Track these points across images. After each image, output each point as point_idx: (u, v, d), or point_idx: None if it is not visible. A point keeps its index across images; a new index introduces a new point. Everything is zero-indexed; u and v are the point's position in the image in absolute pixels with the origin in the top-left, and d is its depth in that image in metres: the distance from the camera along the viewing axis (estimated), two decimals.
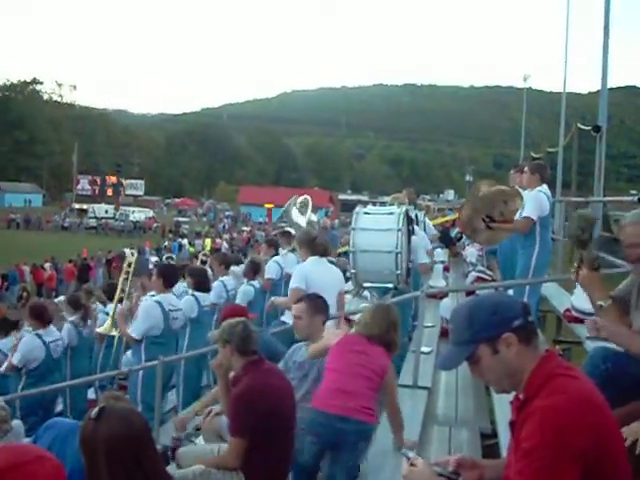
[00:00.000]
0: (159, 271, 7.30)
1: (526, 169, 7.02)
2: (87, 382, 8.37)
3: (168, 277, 7.18)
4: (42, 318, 7.65)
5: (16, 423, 5.98)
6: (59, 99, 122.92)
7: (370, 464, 4.36)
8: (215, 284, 9.17)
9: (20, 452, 1.98)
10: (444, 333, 8.34)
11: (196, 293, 7.97)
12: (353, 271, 6.93)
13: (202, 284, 8.08)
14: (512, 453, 2.21)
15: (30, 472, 1.89)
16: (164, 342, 6.91)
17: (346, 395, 4.06)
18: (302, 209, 11.29)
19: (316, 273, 6.43)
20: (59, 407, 8.29)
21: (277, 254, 10.15)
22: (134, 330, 6.80)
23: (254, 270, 9.18)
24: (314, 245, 6.78)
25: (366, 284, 7.00)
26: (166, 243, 43.08)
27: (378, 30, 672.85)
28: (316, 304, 4.81)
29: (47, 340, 7.53)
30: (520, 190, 6.85)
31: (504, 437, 4.26)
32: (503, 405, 4.68)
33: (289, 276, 10.19)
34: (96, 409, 2.40)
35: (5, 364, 7.51)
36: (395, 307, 4.88)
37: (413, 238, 7.21)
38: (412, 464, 2.34)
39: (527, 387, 2.20)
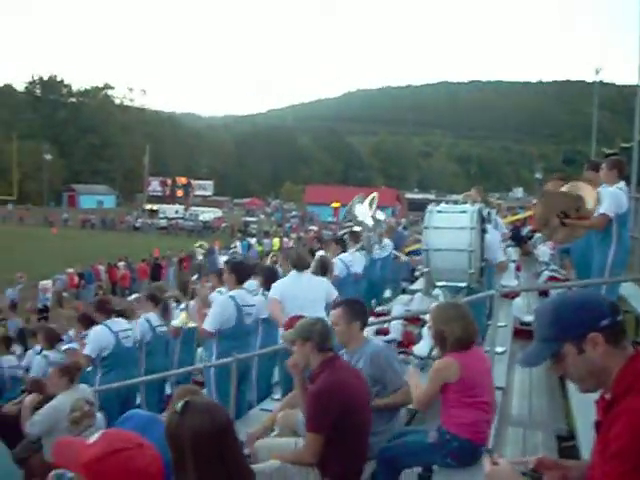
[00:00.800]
0: (231, 267, 7.37)
1: (603, 165, 6.82)
2: (163, 378, 8.55)
3: (240, 273, 7.25)
4: (106, 310, 7.95)
5: (99, 417, 6.20)
6: (130, 104, 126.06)
7: None
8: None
9: (121, 439, 2.06)
10: (517, 333, 8.23)
11: (267, 292, 8.04)
12: (426, 270, 6.86)
13: (272, 283, 8.12)
14: (597, 454, 2.16)
15: (130, 457, 1.97)
16: (237, 336, 6.95)
17: (488, 425, 4.22)
18: (370, 206, 11.32)
19: (293, 287, 6.96)
20: (137, 401, 8.50)
21: (344, 252, 10.25)
22: (207, 323, 6.86)
23: (323, 269, 9.23)
24: (295, 259, 7.29)
25: (439, 283, 6.93)
26: (236, 243, 43.53)
27: (443, 27, 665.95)
28: (353, 309, 4.66)
29: (115, 329, 7.75)
30: (595, 186, 6.68)
31: (584, 439, 4.19)
32: (583, 406, 4.60)
33: (356, 275, 10.30)
34: (180, 403, 2.45)
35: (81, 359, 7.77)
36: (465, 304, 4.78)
37: (486, 237, 7.12)
38: (495, 463, 2.33)
39: (615, 387, 2.14)
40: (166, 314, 8.98)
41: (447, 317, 4.19)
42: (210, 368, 6.90)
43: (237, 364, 6.63)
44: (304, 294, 6.83)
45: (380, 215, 12.10)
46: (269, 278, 8.01)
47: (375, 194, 12.22)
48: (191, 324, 8.58)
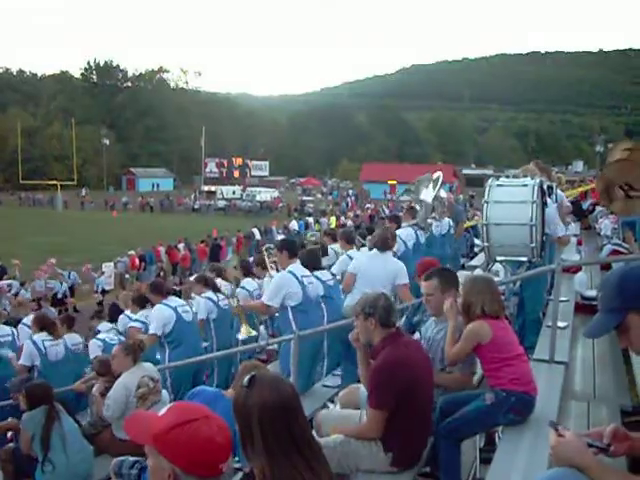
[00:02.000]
0: (280, 246, 7.48)
1: None
2: (226, 355, 8.69)
3: (291, 249, 7.35)
4: (160, 292, 8.18)
5: (164, 394, 6.38)
6: (185, 86, 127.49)
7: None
8: (341, 258, 9.30)
9: (189, 410, 2.13)
10: (579, 308, 8.13)
11: (315, 272, 8.02)
12: (486, 244, 6.77)
13: (313, 265, 8.03)
14: None
15: (197, 428, 2.04)
16: (307, 309, 7.02)
17: (532, 374, 4.36)
18: (434, 185, 11.24)
19: (369, 265, 7.38)
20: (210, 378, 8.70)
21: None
22: (269, 298, 6.95)
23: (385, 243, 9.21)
24: (378, 241, 7.60)
25: (499, 258, 6.86)
26: (293, 222, 43.80)
27: None
28: (447, 279, 4.76)
29: (172, 305, 8.00)
30: None
31: None
32: None
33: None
34: (247, 377, 2.51)
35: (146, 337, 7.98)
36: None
37: (547, 210, 7.01)
38: (560, 435, 2.34)
39: None
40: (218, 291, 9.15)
41: (476, 289, 4.34)
42: (287, 344, 6.94)
43: (313, 339, 6.78)
44: (377, 272, 7.16)
45: (443, 193, 12.01)
46: (309, 261, 7.79)
47: (440, 174, 12.14)
48: (253, 333, 8.61)
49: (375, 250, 7.58)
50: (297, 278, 7.00)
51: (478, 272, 9.68)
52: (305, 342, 6.64)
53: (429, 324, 4.92)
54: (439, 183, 11.32)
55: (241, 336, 8.41)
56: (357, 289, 7.11)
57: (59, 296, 23.84)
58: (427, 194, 10.97)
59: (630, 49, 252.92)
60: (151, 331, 7.86)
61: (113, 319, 10.59)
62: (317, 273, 7.92)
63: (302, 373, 6.58)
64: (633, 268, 2.38)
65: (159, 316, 7.89)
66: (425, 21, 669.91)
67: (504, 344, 4.22)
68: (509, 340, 4.30)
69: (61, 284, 24.38)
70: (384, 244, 7.51)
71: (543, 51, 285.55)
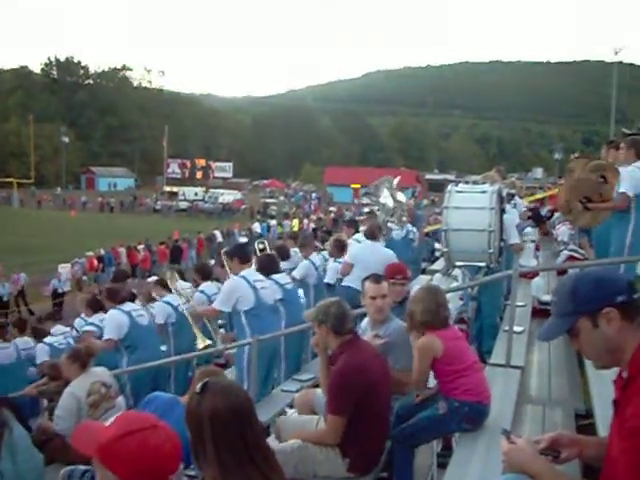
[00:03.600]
0: (231, 253, 7.49)
1: (622, 145, 6.75)
2: (183, 360, 8.60)
3: (241, 255, 7.34)
4: (115, 299, 8.09)
5: (119, 400, 6.25)
6: (148, 85, 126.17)
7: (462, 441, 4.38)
8: (303, 262, 9.32)
9: (136, 420, 2.09)
10: (536, 313, 8.22)
11: (272, 276, 8.02)
12: (445, 250, 6.84)
13: (269, 269, 7.94)
14: (615, 432, 2.18)
15: (144, 438, 1.99)
16: (260, 314, 6.96)
17: (486, 382, 4.40)
18: (393, 190, 11.34)
19: (364, 253, 8.30)
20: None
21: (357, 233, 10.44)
22: (220, 303, 6.95)
23: (340, 248, 9.27)
24: (369, 231, 8.58)
25: (458, 263, 6.92)
26: (254, 225, 43.67)
27: (462, 7, 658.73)
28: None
29: (126, 309, 7.91)
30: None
31: (601, 417, 4.19)
32: (601, 385, 4.60)
33: None
34: (200, 384, 2.47)
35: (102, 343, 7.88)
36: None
37: (505, 217, 7.10)
38: (512, 442, 2.35)
39: (631, 365, 2.15)
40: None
41: (419, 299, 4.33)
42: (243, 349, 6.91)
43: (267, 344, 6.70)
44: (372, 259, 7.93)
45: (401, 197, 12.08)
46: (266, 265, 7.90)
47: (399, 178, 12.22)
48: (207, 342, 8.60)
49: (366, 240, 8.50)
50: (249, 283, 6.96)
51: (438, 276, 9.78)
52: (261, 346, 6.62)
53: (364, 327, 4.93)
54: (396, 187, 11.43)
55: (200, 346, 8.37)
56: (356, 275, 7.69)
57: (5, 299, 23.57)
58: (386, 197, 11.06)
59: (588, 61, 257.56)
60: (105, 336, 7.78)
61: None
62: (275, 276, 7.93)
63: (259, 378, 6.58)
64: (585, 274, 2.42)
65: (112, 321, 7.83)
66: (391, 27, 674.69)
67: (457, 355, 4.23)
68: (461, 350, 4.32)
69: (4, 286, 24.02)
70: (372, 234, 8.48)
71: (505, 60, 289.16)
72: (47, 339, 9.43)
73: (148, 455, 1.97)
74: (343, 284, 8.32)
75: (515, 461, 2.33)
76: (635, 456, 1.98)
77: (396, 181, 11.55)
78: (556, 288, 2.43)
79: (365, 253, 8.35)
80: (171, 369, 8.62)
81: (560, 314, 2.30)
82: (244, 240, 31.86)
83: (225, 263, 8.91)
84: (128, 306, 8.02)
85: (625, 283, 2.24)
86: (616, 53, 44.77)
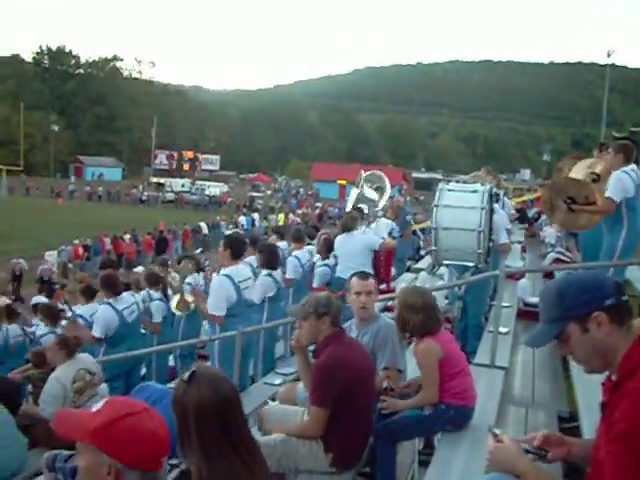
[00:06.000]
0: (226, 243, 7.41)
1: (610, 149, 6.75)
2: (168, 349, 8.64)
3: (236, 250, 7.27)
4: (112, 288, 7.98)
5: (102, 387, 6.26)
6: (138, 76, 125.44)
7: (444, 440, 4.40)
8: (289, 260, 9.30)
9: (128, 404, 2.08)
10: (521, 314, 8.26)
11: (271, 271, 8.10)
12: (434, 248, 6.83)
13: (271, 262, 8.17)
14: (602, 435, 2.18)
15: (138, 421, 1.99)
16: (237, 313, 6.97)
17: (473, 386, 4.41)
18: (370, 182, 11.40)
19: (344, 244, 8.65)
20: (142, 372, 8.60)
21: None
22: (213, 308, 6.93)
23: (328, 248, 9.24)
24: (344, 224, 8.92)
25: (446, 262, 6.93)
26: (240, 218, 43.61)
27: (453, 5, 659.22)
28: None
29: (119, 308, 7.85)
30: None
31: (586, 421, 4.22)
32: (587, 388, 4.63)
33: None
34: (188, 372, 2.47)
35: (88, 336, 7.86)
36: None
37: (495, 217, 7.11)
38: (499, 440, 2.35)
39: (621, 368, 2.15)
40: (166, 291, 9.08)
41: (411, 306, 4.28)
42: (214, 342, 6.94)
43: (241, 338, 6.68)
44: (352, 247, 8.51)
45: (371, 193, 12.09)
46: (269, 257, 8.06)
47: (375, 172, 12.26)
48: (184, 311, 8.67)
49: (343, 234, 8.78)
50: (233, 283, 6.95)
51: (423, 275, 9.80)
52: (231, 342, 6.69)
53: (349, 327, 4.87)
54: (385, 184, 11.47)
55: (173, 307, 8.43)
56: (342, 265, 8.43)
57: None
58: (369, 192, 11.11)
59: (580, 62, 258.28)
60: (94, 333, 7.69)
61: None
62: (273, 273, 8.01)
63: (231, 372, 6.57)
64: (572, 278, 2.40)
65: (102, 319, 7.73)
66: (381, 24, 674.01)
67: (452, 359, 4.25)
68: (455, 353, 4.34)
69: None
70: (346, 227, 8.78)
71: (495, 59, 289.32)
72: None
73: (145, 437, 1.97)
74: (336, 275, 8.60)
75: (501, 460, 2.33)
76: (622, 458, 1.98)
77: (367, 174, 11.66)
78: (542, 293, 2.41)
79: (343, 243, 8.71)
80: (150, 359, 8.63)
81: (548, 320, 2.29)
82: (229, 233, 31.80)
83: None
84: (121, 301, 7.95)
85: (613, 286, 2.23)
86: (609, 55, 44.94)
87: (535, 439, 2.45)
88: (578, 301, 2.20)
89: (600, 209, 6.32)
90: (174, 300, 8.77)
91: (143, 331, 8.75)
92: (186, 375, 2.45)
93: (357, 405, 3.95)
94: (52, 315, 9.33)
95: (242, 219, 43.29)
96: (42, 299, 16.02)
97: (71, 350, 6.17)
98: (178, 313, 8.74)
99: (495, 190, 7.55)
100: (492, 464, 2.38)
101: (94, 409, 2.06)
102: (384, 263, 9.65)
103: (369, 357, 4.29)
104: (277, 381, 6.80)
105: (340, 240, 8.82)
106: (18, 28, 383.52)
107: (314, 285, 8.93)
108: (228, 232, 32.16)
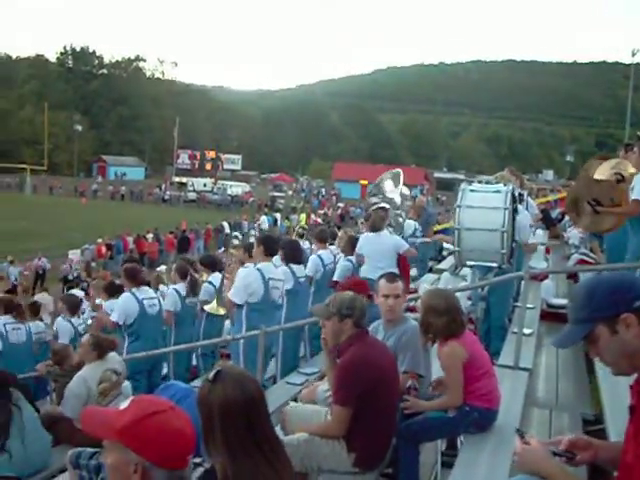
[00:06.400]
0: (260, 240, 7.42)
1: (635, 149, 6.66)
2: (190, 349, 8.68)
3: (269, 246, 7.28)
4: (135, 279, 8.08)
5: (125, 385, 6.28)
6: (161, 76, 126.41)
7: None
8: (312, 258, 9.29)
9: (153, 403, 2.09)
10: (544, 316, 8.20)
11: (291, 265, 8.10)
12: (457, 249, 6.81)
13: (294, 257, 8.18)
14: (631, 438, 2.16)
15: (166, 419, 2.00)
16: (264, 309, 7.00)
17: (497, 388, 4.36)
18: (395, 182, 11.32)
19: (372, 243, 8.54)
20: (164, 371, 8.64)
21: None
22: (234, 295, 6.93)
23: (353, 246, 9.22)
24: (371, 224, 8.83)
25: (469, 262, 6.89)
26: (262, 218, 43.69)
27: (477, 5, 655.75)
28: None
29: (140, 297, 7.92)
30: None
31: (612, 424, 4.17)
32: (613, 390, 4.58)
33: None
34: (213, 371, 2.48)
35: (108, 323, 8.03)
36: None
37: (518, 217, 7.06)
38: (525, 442, 2.34)
39: None
40: (194, 287, 9.08)
41: (434, 309, 4.23)
42: (238, 341, 6.95)
43: (264, 337, 6.69)
44: (380, 248, 8.39)
45: (406, 190, 12.06)
46: (291, 252, 8.08)
47: (399, 170, 12.19)
48: (222, 311, 8.68)
49: (371, 233, 8.73)
50: (263, 277, 6.95)
51: (445, 275, 9.76)
52: (257, 339, 6.68)
53: (376, 328, 4.85)
54: (400, 180, 11.41)
55: (207, 307, 8.47)
56: (370, 265, 8.28)
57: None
58: (393, 192, 11.05)
59: (604, 62, 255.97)
60: (113, 318, 7.83)
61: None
62: (293, 267, 7.99)
63: (254, 371, 6.55)
64: (601, 279, 2.37)
65: (123, 306, 7.85)
66: (403, 23, 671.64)
67: (477, 360, 4.22)
68: (480, 354, 4.31)
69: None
70: (375, 227, 8.70)
71: (518, 59, 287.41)
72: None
73: (171, 435, 1.98)
74: (361, 275, 8.48)
75: (528, 461, 2.32)
76: None
77: (393, 172, 11.58)
78: (571, 294, 2.42)
79: (370, 242, 8.58)
80: (170, 357, 8.67)
81: (577, 321, 2.26)
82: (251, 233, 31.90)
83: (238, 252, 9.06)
84: (143, 292, 8.03)
85: None
86: (633, 55, 44.45)
87: (561, 443, 2.43)
88: (607, 302, 2.17)
89: (625, 211, 6.23)
90: (213, 303, 8.77)
91: (164, 328, 8.79)
92: (211, 374, 2.46)
93: (380, 405, 3.93)
94: (73, 304, 9.49)
95: (263, 219, 43.36)
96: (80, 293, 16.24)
97: (103, 352, 6.22)
98: (218, 312, 8.73)
99: (519, 190, 7.50)
100: (519, 466, 2.37)
101: (121, 407, 2.07)
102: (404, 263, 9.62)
103: (392, 357, 4.27)
104: (299, 381, 6.79)
105: (367, 239, 8.76)
106: (43, 29, 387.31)
107: (334, 278, 8.98)
108: (250, 232, 32.29)
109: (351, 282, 5.82)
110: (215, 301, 8.63)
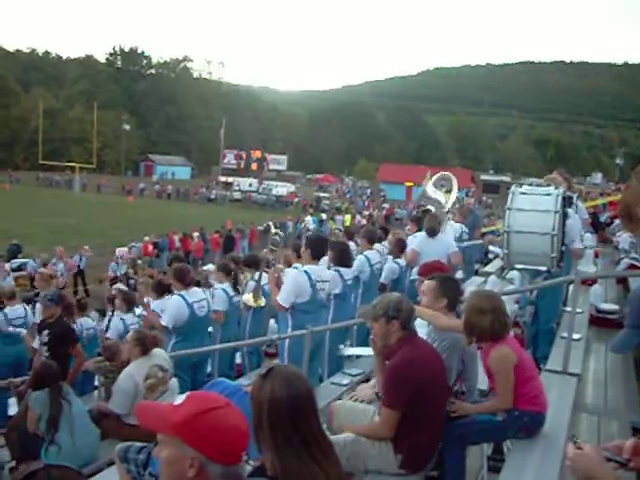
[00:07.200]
0: (308, 242, 7.43)
1: None
2: (236, 347, 8.74)
3: (316, 248, 7.29)
4: (184, 280, 8.02)
5: (172, 382, 6.37)
6: (208, 76, 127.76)
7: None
8: (359, 257, 9.27)
9: (209, 399, 2.11)
10: (593, 320, 8.07)
11: (339, 268, 8.10)
12: (505, 252, 6.72)
13: (343, 260, 8.17)
14: None
15: (222, 415, 2.03)
16: (311, 311, 6.99)
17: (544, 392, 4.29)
18: (439, 185, 11.24)
19: (427, 243, 8.60)
20: (208, 369, 8.71)
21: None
22: (282, 298, 6.96)
23: (401, 248, 9.19)
24: (428, 228, 8.72)
25: (518, 265, 6.81)
26: (307, 218, 43.74)
27: (526, 5, 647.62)
28: (443, 285, 4.69)
29: (190, 300, 7.87)
30: None
31: None
32: None
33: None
34: (266, 368, 2.52)
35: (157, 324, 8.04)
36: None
37: (568, 221, 6.96)
38: (579, 447, 2.31)
39: None
40: (237, 285, 9.15)
41: (479, 309, 4.14)
42: (284, 340, 6.99)
43: (311, 337, 6.71)
44: (434, 250, 8.32)
45: (454, 194, 11.96)
46: (340, 255, 8.06)
47: (446, 173, 12.10)
48: (261, 303, 8.72)
49: (426, 235, 8.75)
50: (310, 280, 6.98)
51: (492, 279, 9.65)
52: (301, 341, 6.70)
53: (426, 331, 4.76)
54: (450, 182, 11.33)
55: (244, 299, 8.52)
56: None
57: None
58: (436, 193, 10.98)
59: None
60: (163, 322, 7.77)
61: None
62: (341, 270, 7.99)
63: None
64: None
65: (173, 310, 7.79)
66: (450, 24, 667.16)
67: (524, 363, 4.16)
68: (527, 358, 4.28)
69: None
70: (432, 230, 8.72)
71: (568, 60, 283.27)
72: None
73: (228, 431, 2.01)
74: (411, 278, 8.59)
75: (581, 467, 2.28)
76: None
77: (437, 175, 11.48)
78: (629, 299, 2.38)
79: (426, 245, 8.62)
80: (215, 355, 8.73)
81: (634, 325, 2.24)
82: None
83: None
84: (193, 295, 7.99)
85: None
86: None
87: (619, 448, 2.39)
88: None
89: None
90: (248, 295, 8.83)
91: (210, 329, 8.85)
92: (264, 371, 2.50)
93: (428, 406, 3.93)
94: (129, 301, 9.61)
95: (309, 219, 43.42)
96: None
97: (146, 348, 6.31)
98: (254, 304, 8.78)
99: (568, 193, 7.40)
100: (572, 471, 2.34)
101: (176, 402, 2.10)
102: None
103: (441, 359, 4.23)
104: (345, 381, 6.80)
105: (423, 242, 8.76)
106: (92, 30, 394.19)
107: (381, 280, 8.93)
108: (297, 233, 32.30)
109: (432, 265, 5.85)
110: (251, 294, 8.68)
